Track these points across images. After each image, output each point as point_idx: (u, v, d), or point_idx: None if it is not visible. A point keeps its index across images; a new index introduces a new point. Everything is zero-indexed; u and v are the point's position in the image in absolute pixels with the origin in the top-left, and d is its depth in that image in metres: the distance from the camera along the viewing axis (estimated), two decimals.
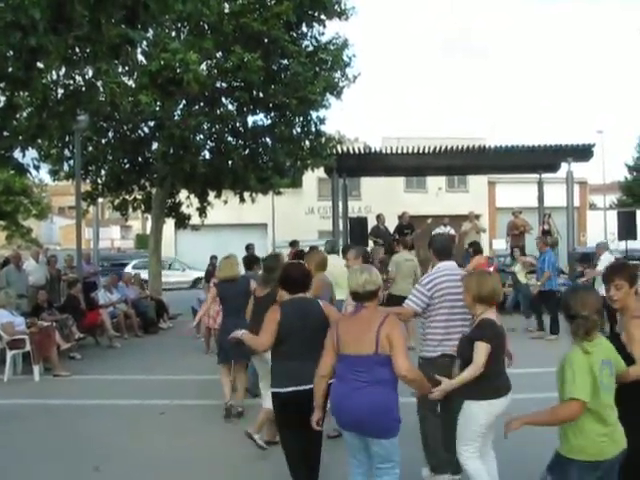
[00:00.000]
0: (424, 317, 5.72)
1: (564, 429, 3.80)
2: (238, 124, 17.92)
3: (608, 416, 3.77)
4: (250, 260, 9.50)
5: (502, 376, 4.83)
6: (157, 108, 15.14)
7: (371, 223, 19.62)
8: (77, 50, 11.12)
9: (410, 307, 5.65)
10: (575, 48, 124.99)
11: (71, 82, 13.53)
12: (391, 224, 19.18)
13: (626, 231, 19.39)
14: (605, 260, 13.63)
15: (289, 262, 6.33)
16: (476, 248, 13.45)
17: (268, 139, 18.61)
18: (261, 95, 17.12)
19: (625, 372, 4.02)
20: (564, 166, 21.04)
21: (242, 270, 8.89)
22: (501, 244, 27.77)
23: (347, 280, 4.71)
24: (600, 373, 3.72)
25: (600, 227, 37.67)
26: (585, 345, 3.74)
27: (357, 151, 21.06)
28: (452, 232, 18.60)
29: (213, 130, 17.79)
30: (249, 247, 17.49)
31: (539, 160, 21.35)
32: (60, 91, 13.30)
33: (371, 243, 18.92)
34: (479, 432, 4.76)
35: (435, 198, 38.86)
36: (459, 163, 21.77)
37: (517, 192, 33.46)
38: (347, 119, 61.56)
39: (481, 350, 4.65)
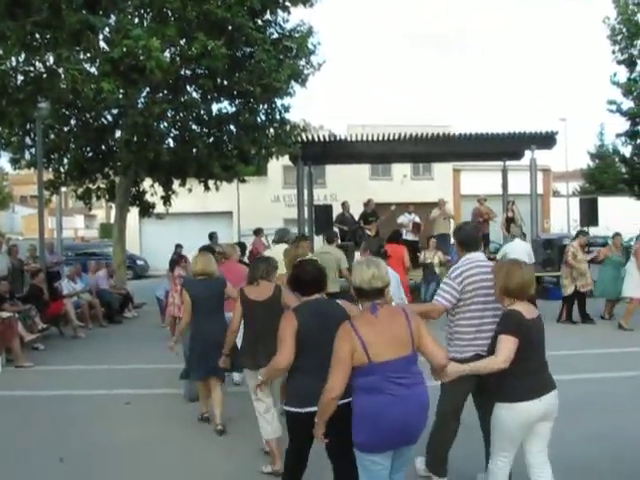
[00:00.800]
0: (451, 314, 5.19)
1: None
2: (202, 112, 17.79)
3: None
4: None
5: (535, 375, 4.30)
6: (120, 96, 14.95)
7: (337, 211, 19.65)
8: (37, 36, 10.98)
9: (440, 303, 5.08)
10: (539, 35, 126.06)
11: (31, 69, 13.37)
12: (357, 211, 19.24)
13: (588, 218, 19.71)
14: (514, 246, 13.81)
15: (302, 259, 5.51)
16: (392, 236, 12.99)
17: (232, 127, 18.50)
18: (225, 83, 17.02)
19: None
20: (528, 154, 21.24)
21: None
22: None
23: (352, 275, 4.07)
24: None
25: (563, 214, 38.19)
26: None
27: (322, 139, 21.02)
28: (417, 220, 18.71)
29: (177, 118, 17.65)
30: (212, 236, 17.42)
31: (503, 147, 21.48)
32: (20, 78, 13.14)
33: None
34: (508, 440, 4.35)
35: (400, 186, 39.03)
36: (424, 150, 21.81)
37: (481, 180, 33.76)
38: (312, 107, 61.49)
39: (504, 344, 4.22)
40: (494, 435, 4.43)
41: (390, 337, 3.79)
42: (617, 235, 14.49)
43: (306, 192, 22.23)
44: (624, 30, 24.42)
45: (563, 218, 37.92)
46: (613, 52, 24.86)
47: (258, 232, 17.96)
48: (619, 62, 24.97)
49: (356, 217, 18.92)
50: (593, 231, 19.78)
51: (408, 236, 18.02)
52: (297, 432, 4.54)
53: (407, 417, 3.76)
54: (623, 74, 25.35)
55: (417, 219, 18.80)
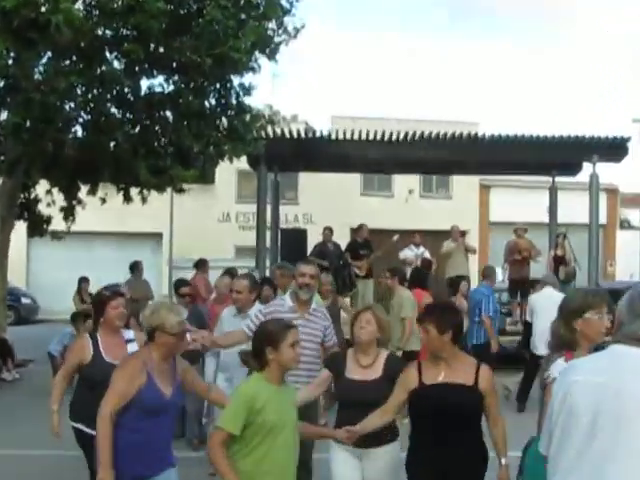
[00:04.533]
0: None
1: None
2: (126, 90, 17.78)
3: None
4: None
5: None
6: (10, 61, 15.03)
7: (313, 239, 19.72)
8: None
9: (246, 332, 7.80)
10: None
11: None
12: (342, 240, 19.34)
13: None
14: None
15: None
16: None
17: (168, 113, 18.53)
18: (161, 50, 17.03)
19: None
20: (587, 167, 21.47)
21: None
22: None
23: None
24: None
25: (635, 253, 38.25)
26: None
27: (295, 135, 21.08)
28: (427, 255, 18.77)
29: (89, 96, 17.59)
30: (135, 266, 17.54)
31: (551, 157, 21.64)
32: None
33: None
34: None
35: (404, 205, 39.09)
36: (440, 156, 21.91)
37: (519, 201, 34.07)
38: (283, 90, 61.24)
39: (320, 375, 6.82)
40: None
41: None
42: None
43: (270, 210, 22.33)
44: None
45: (634, 259, 38.09)
46: None
47: (200, 265, 17.83)
48: None
49: (342, 248, 18.97)
50: None
51: None
52: None
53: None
54: None
55: (427, 254, 18.87)
